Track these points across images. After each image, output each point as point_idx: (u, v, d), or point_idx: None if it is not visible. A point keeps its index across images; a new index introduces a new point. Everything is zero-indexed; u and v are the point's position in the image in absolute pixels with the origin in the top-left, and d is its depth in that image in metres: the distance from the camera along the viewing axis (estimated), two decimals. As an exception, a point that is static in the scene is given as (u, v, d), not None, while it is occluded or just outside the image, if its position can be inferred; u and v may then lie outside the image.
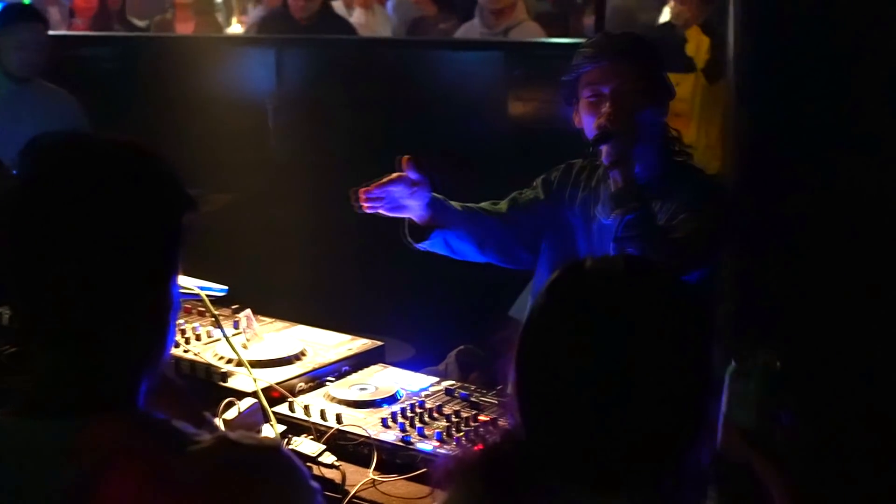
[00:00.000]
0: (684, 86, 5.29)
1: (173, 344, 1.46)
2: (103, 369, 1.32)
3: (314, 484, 1.38)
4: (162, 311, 1.37)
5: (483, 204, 2.98)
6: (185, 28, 6.90)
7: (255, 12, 7.32)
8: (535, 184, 2.97)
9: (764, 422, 1.66)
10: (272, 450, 1.35)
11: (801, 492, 1.62)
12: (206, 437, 1.31)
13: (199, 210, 1.39)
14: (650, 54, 2.75)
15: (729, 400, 1.68)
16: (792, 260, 2.86)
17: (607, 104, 2.64)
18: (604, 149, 2.63)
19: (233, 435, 1.33)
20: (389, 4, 7.00)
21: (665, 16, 7.07)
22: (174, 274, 1.38)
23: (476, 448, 1.56)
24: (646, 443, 1.37)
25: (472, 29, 5.69)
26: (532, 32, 5.60)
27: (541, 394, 1.42)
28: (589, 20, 6.45)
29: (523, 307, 3.06)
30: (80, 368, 1.31)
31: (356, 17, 6.73)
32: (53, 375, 1.32)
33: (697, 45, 5.50)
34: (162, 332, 1.38)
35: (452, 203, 2.88)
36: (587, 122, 2.70)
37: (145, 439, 1.29)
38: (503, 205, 2.97)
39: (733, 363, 1.69)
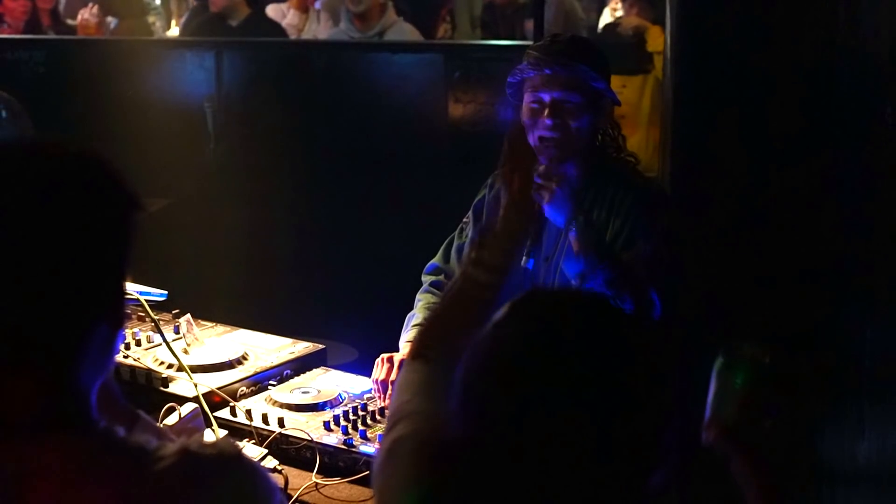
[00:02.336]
0: (631, 88, 5.34)
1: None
2: (59, 386, 1.27)
3: (274, 483, 1.38)
4: (119, 318, 1.34)
5: (434, 278, 2.93)
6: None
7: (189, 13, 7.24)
8: (468, 217, 2.94)
9: (748, 418, 1.63)
10: (235, 458, 1.32)
11: (777, 495, 1.59)
12: (167, 451, 1.27)
13: (143, 209, 1.35)
14: (595, 63, 2.70)
15: (715, 393, 1.65)
16: (724, 255, 2.92)
17: (546, 112, 2.63)
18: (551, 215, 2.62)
19: (193, 446, 1.29)
20: (318, 3, 6.97)
21: (606, 17, 7.13)
22: (124, 279, 1.34)
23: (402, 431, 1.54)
24: (593, 473, 1.31)
25: (339, 33, 5.69)
26: (408, 32, 5.61)
27: (487, 397, 1.36)
28: (530, 23, 6.48)
29: None
30: (36, 387, 1.26)
31: (289, 18, 6.71)
32: (8, 395, 1.26)
33: (658, 45, 5.54)
34: (113, 340, 1.34)
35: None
36: (528, 127, 2.70)
37: (109, 460, 1.25)
38: (452, 263, 2.92)
39: (721, 357, 1.66)
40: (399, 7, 5.78)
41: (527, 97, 2.69)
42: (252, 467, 1.35)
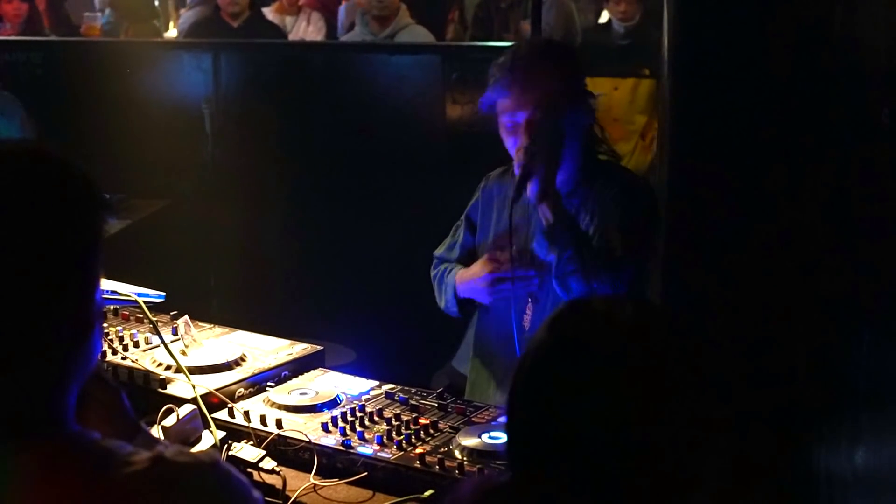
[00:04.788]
0: (623, 90, 5.34)
1: (100, 352, 1.39)
2: (27, 390, 1.26)
3: (256, 494, 1.34)
4: (85, 322, 1.32)
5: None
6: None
7: (187, 14, 7.25)
8: (459, 222, 2.98)
9: None
10: (209, 466, 1.30)
11: None
12: (140, 456, 1.26)
13: (113, 214, 1.34)
14: (562, 66, 2.70)
15: None
16: (719, 256, 2.92)
17: (522, 134, 2.64)
18: (528, 187, 2.64)
19: (168, 453, 1.28)
20: (342, 9, 6.99)
21: (604, 19, 7.13)
22: (95, 282, 1.33)
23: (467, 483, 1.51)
24: (633, 494, 1.31)
25: (355, 35, 5.70)
26: (420, 34, 5.62)
27: (529, 431, 1.36)
28: (526, 23, 6.48)
29: (465, 357, 3.09)
30: (2, 391, 1.25)
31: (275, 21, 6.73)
32: None
33: None
34: (87, 344, 1.32)
35: None
36: (508, 144, 2.71)
37: (76, 463, 1.24)
38: (452, 255, 3.00)
39: None
40: (410, 10, 5.78)
41: (502, 117, 2.70)
42: (227, 475, 1.31)
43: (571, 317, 1.40)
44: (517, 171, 2.66)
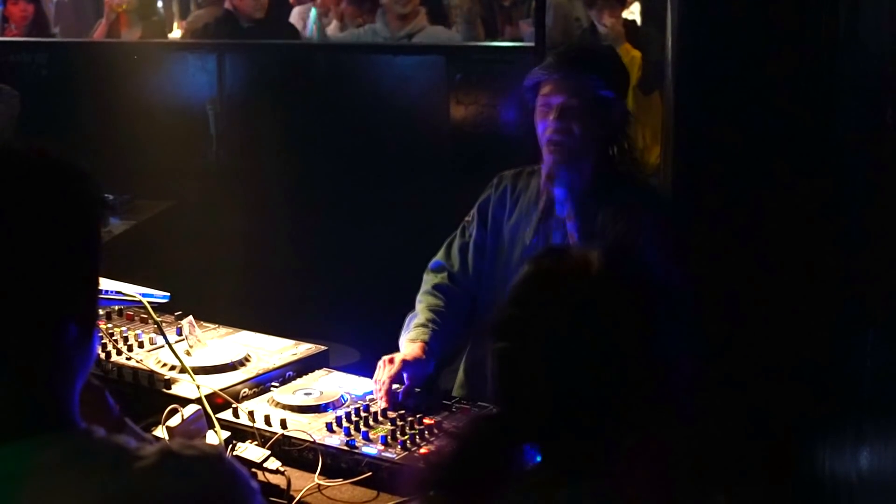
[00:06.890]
0: None
1: (98, 350, 1.40)
2: (38, 389, 1.27)
3: (255, 485, 1.36)
4: (89, 319, 1.33)
5: (437, 280, 2.92)
6: (130, 35, 6.80)
7: (198, 14, 7.23)
8: (471, 216, 2.96)
9: None
10: (215, 458, 1.32)
11: None
12: (148, 450, 1.27)
13: (115, 214, 1.34)
14: (607, 73, 2.77)
15: None
16: (724, 258, 2.92)
17: (552, 115, 2.70)
18: (553, 189, 2.75)
19: (175, 446, 1.30)
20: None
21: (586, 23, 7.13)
22: (97, 280, 1.34)
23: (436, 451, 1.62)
24: (609, 427, 1.44)
25: (369, 33, 5.69)
26: (437, 35, 5.62)
27: (514, 377, 1.48)
28: (525, 24, 6.47)
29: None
30: (9, 391, 1.26)
31: (331, 29, 6.68)
32: None
33: (629, 62, 5.52)
34: (90, 342, 1.34)
35: (431, 328, 2.78)
36: (538, 128, 2.76)
37: (89, 460, 1.25)
38: (454, 261, 2.94)
39: None
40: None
41: (539, 100, 2.77)
42: (232, 469, 1.33)
43: (549, 258, 1.54)
44: (545, 162, 2.73)
